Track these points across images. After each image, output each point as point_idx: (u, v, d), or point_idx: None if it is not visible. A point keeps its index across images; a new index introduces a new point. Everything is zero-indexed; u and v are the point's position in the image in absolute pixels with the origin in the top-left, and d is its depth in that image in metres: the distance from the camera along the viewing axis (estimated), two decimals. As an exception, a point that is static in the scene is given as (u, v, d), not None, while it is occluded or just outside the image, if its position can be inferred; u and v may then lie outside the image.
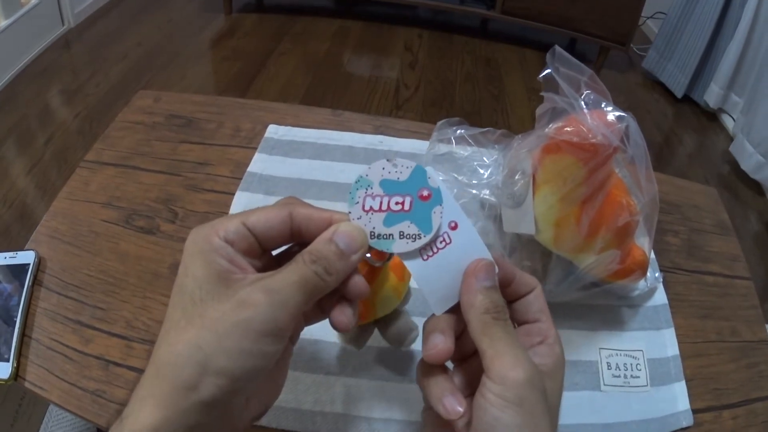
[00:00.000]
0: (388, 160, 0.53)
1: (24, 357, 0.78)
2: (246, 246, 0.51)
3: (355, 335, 0.68)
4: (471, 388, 0.54)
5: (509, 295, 0.57)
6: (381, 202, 0.53)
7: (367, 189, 0.53)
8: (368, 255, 0.54)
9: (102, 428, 0.73)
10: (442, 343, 0.52)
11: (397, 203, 0.53)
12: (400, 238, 0.52)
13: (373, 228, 0.52)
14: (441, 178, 0.83)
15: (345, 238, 0.51)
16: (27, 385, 0.76)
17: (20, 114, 3.07)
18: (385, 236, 0.52)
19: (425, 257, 0.53)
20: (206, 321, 0.46)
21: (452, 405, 0.51)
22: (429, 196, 0.53)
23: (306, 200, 0.58)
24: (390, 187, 0.53)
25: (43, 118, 3.10)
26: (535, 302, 0.57)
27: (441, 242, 0.53)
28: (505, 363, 0.47)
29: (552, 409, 0.50)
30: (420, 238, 0.52)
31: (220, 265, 0.48)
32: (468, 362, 0.57)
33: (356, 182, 0.53)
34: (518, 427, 0.46)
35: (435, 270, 0.53)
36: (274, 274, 0.49)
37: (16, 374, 0.77)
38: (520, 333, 0.57)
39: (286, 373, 0.56)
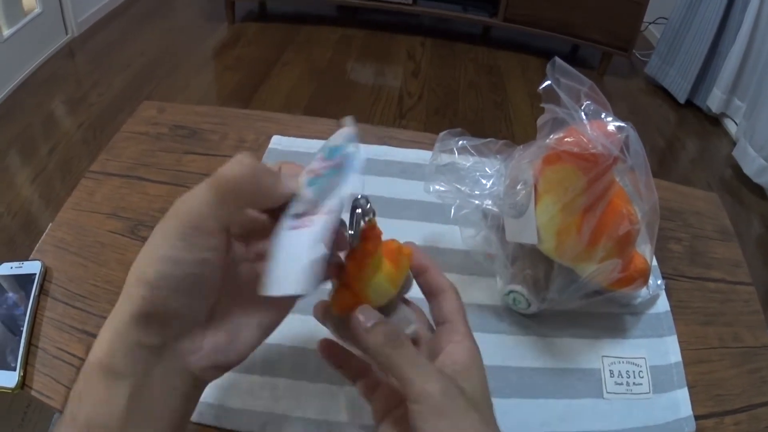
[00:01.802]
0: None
1: (30, 366, 0.78)
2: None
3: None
4: (388, 409, 0.59)
5: (423, 284, 0.61)
6: (318, 166, 0.54)
7: (321, 153, 0.55)
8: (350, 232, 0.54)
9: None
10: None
11: (323, 167, 0.53)
12: (298, 202, 0.52)
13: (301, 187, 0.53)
14: (442, 188, 0.83)
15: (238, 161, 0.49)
16: (33, 393, 0.76)
17: (24, 123, 3.08)
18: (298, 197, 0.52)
19: (291, 227, 0.51)
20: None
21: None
22: (340, 164, 0.53)
23: None
24: (331, 151, 0.54)
25: (46, 127, 3.11)
26: (447, 304, 0.60)
27: (308, 220, 0.51)
28: (415, 384, 0.50)
29: (478, 402, 0.53)
30: (303, 205, 0.52)
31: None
32: (379, 390, 0.62)
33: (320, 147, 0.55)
34: None
35: (289, 245, 0.50)
36: None
37: (23, 383, 0.77)
38: (435, 338, 0.60)
39: (251, 336, 0.54)
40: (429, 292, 0.62)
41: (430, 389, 0.50)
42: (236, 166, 0.48)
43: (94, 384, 0.47)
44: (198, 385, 0.52)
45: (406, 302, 0.63)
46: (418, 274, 0.61)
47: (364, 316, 0.54)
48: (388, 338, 0.53)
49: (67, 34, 3.84)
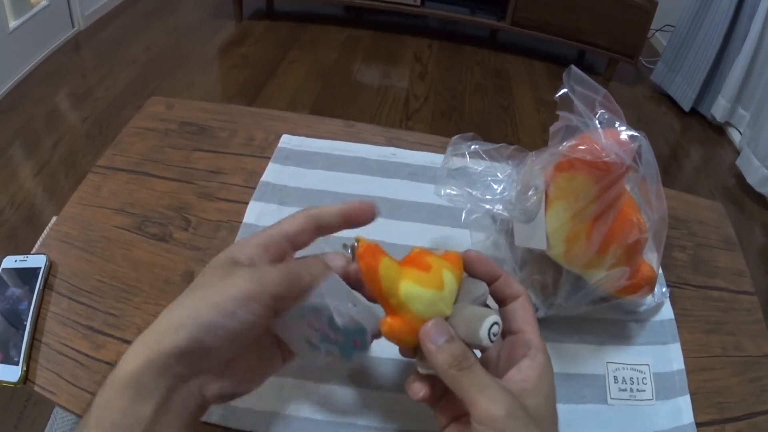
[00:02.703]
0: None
1: (34, 361, 0.78)
2: (276, 251, 0.60)
3: (420, 357, 0.61)
4: (455, 415, 0.60)
5: (495, 293, 0.64)
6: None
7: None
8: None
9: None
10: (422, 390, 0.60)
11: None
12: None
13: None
14: (454, 192, 0.84)
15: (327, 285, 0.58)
16: (36, 388, 0.76)
17: (28, 116, 3.08)
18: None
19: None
20: (197, 289, 0.55)
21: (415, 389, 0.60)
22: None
23: None
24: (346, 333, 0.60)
25: (51, 121, 3.11)
26: (520, 311, 0.62)
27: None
28: (479, 406, 0.52)
29: (542, 419, 0.55)
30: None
31: (236, 255, 0.58)
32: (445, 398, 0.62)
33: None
34: None
35: None
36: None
37: (26, 378, 0.77)
38: (506, 347, 0.62)
39: (260, 376, 0.62)
40: (501, 300, 0.64)
41: (494, 412, 0.52)
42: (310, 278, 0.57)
43: (120, 395, 0.50)
44: (205, 407, 0.56)
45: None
46: (490, 283, 0.63)
47: (435, 331, 0.57)
48: (456, 359, 0.55)
49: (73, 27, 3.84)
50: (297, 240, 0.62)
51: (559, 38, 3.96)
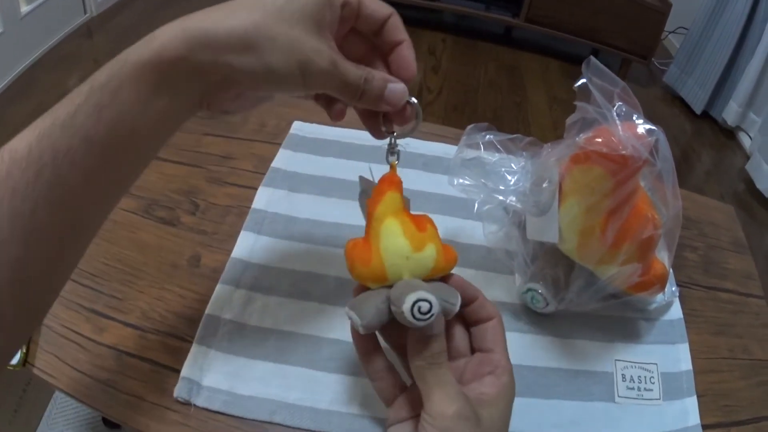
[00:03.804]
0: None
1: (34, 343, 0.78)
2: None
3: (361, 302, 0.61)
4: (415, 411, 0.61)
5: (468, 314, 0.65)
6: None
7: None
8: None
9: (109, 417, 0.73)
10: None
11: None
12: None
13: None
14: (467, 182, 0.83)
15: (392, 95, 0.60)
16: (36, 372, 0.75)
17: (39, 101, 3.07)
18: None
19: None
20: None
21: None
22: None
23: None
24: None
25: (62, 105, 3.09)
26: (491, 332, 0.64)
27: None
28: (433, 399, 0.56)
29: (488, 430, 0.57)
30: None
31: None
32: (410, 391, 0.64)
33: None
34: None
35: None
36: None
37: (25, 360, 0.76)
38: (473, 362, 0.64)
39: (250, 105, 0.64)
40: (476, 320, 0.65)
41: (444, 408, 0.55)
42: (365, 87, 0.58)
43: (134, 83, 0.48)
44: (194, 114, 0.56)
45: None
46: (467, 304, 0.64)
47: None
48: (432, 356, 0.57)
49: (85, 13, 3.83)
50: None
51: (574, 36, 3.96)
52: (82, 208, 0.50)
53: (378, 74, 0.59)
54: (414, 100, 0.63)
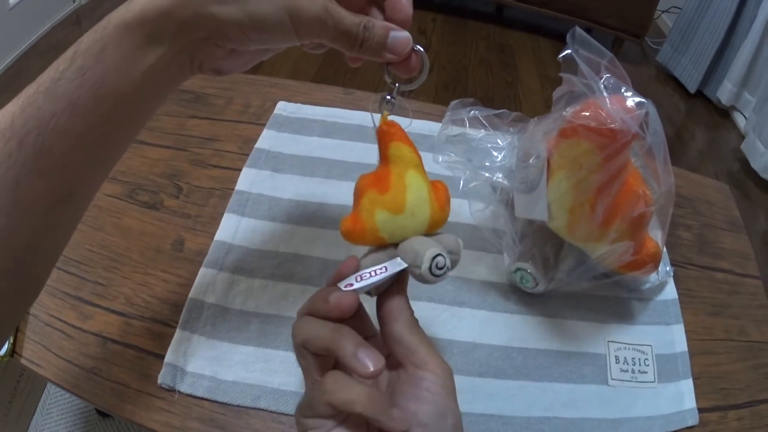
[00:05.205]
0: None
1: (21, 333, 0.77)
2: None
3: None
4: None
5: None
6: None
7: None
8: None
9: (95, 406, 0.72)
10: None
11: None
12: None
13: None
14: (452, 159, 0.81)
15: (396, 42, 0.60)
16: (23, 361, 0.75)
17: (29, 89, 3.06)
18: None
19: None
20: None
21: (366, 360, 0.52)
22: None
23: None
24: None
25: (50, 93, 3.08)
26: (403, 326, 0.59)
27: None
28: (429, 361, 0.54)
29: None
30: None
31: None
32: None
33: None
34: (452, 411, 0.53)
35: None
36: None
37: (13, 350, 0.75)
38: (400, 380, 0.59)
39: (243, 65, 0.61)
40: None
41: (445, 366, 0.54)
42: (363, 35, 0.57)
43: (118, 44, 0.47)
44: (186, 78, 0.55)
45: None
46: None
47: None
48: (409, 317, 0.57)
49: (74, 1, 3.80)
50: None
51: (566, 15, 3.94)
52: (69, 177, 0.49)
53: (379, 22, 0.58)
54: (420, 47, 0.62)
